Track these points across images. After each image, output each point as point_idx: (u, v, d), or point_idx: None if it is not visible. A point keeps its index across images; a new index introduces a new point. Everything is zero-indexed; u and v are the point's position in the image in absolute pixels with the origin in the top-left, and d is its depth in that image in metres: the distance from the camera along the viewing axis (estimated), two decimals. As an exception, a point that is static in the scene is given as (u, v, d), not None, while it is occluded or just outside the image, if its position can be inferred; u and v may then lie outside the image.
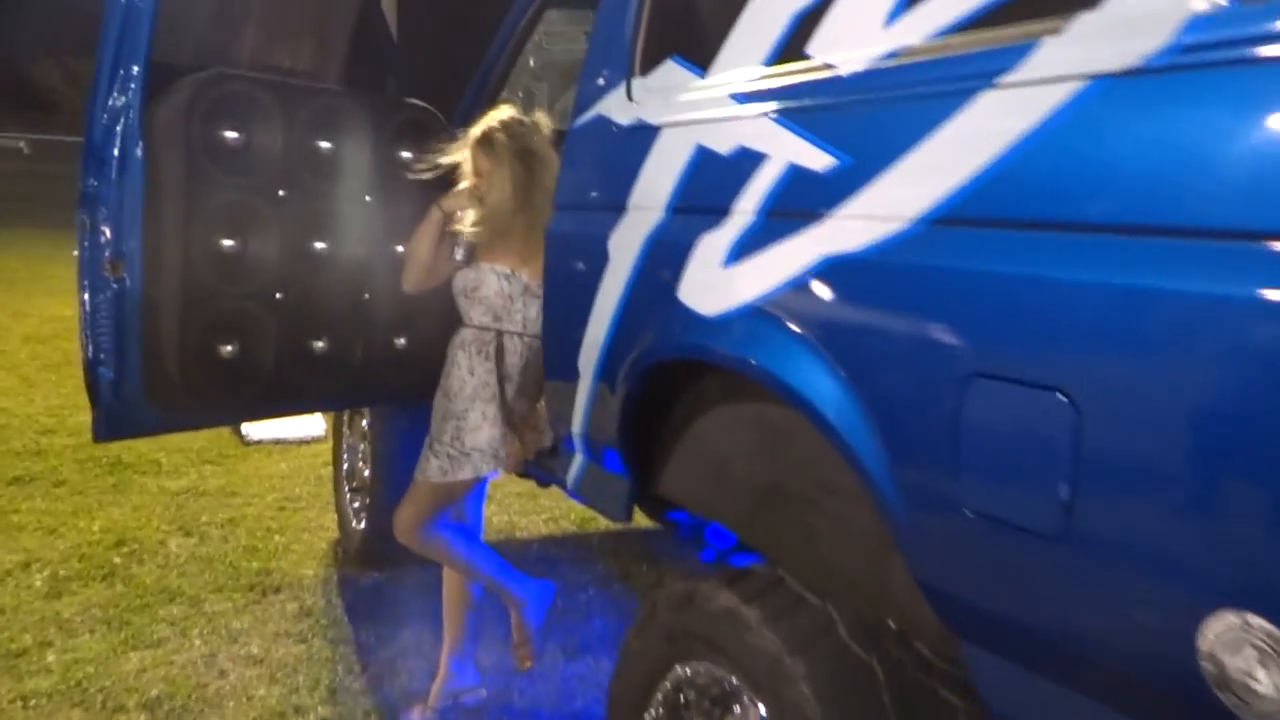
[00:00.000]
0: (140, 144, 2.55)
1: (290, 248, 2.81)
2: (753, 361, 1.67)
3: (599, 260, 2.19)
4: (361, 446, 4.14)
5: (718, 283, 1.79)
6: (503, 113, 2.78)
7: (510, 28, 3.18)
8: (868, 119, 1.53)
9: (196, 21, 2.81)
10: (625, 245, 2.10)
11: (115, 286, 2.60)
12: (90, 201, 2.63)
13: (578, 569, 4.07)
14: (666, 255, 1.96)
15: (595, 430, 2.29)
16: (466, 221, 2.76)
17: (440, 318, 3.10)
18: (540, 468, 2.81)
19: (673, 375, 2.04)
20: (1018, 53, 1.27)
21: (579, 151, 2.42)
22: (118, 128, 2.56)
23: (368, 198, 2.96)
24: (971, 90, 1.34)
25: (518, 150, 2.71)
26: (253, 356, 2.79)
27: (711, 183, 1.86)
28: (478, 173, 2.77)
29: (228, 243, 2.71)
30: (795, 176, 1.64)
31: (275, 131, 2.73)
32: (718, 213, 1.81)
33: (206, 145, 2.61)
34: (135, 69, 2.55)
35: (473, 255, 2.83)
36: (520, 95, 3.36)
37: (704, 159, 1.89)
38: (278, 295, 2.81)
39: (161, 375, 2.66)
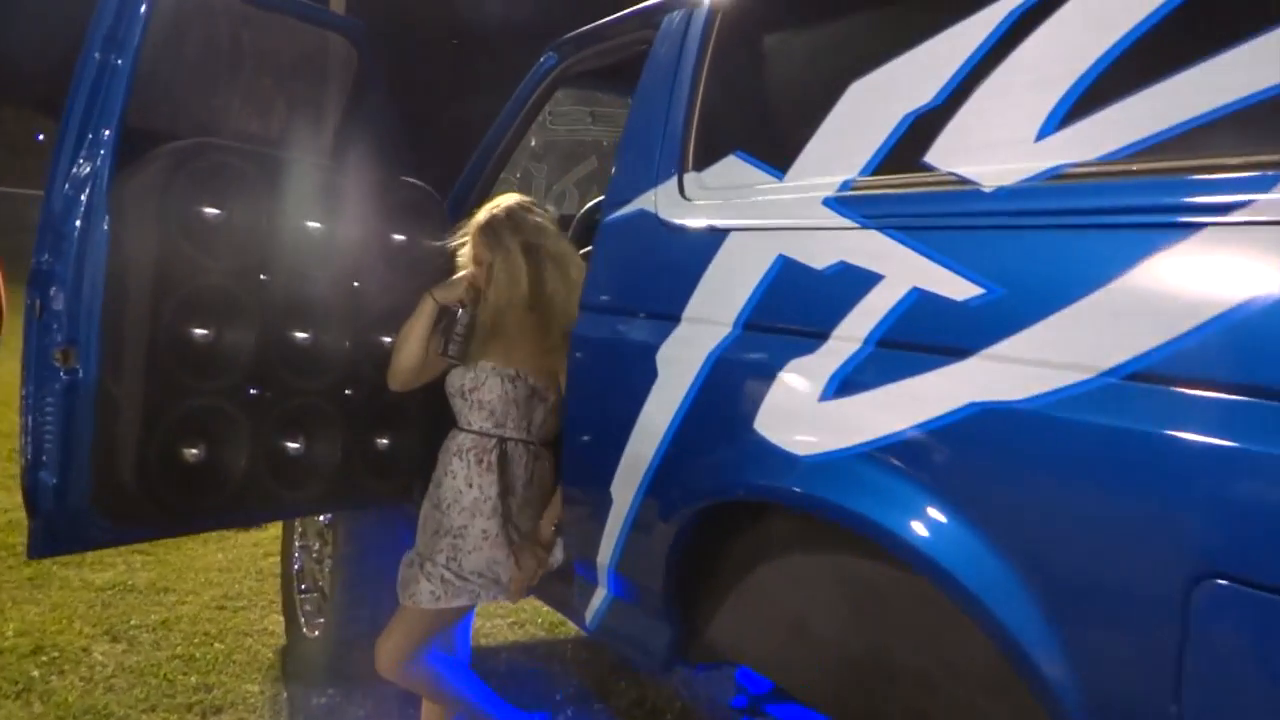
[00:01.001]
0: (106, 218, 2.23)
1: (270, 338, 2.49)
2: (864, 514, 1.42)
3: (644, 374, 1.92)
4: (317, 545, 3.76)
5: (814, 418, 1.54)
6: (510, 199, 2.53)
7: (517, 105, 2.93)
8: (1033, 246, 1.31)
9: (175, 84, 2.50)
10: (681, 361, 1.84)
11: (65, 378, 2.25)
12: (43, 280, 2.29)
13: (551, 684, 3.73)
14: (738, 378, 1.71)
15: (630, 565, 2.00)
16: (462, 315, 2.48)
17: (428, 416, 2.80)
18: (548, 596, 2.51)
19: (737, 513, 1.77)
20: (1266, 183, 1.06)
21: (614, 249, 2.17)
22: (81, 197, 2.24)
23: (355, 284, 2.66)
24: (1181, 225, 1.13)
25: (525, 243, 2.45)
26: (221, 460, 2.45)
27: (802, 300, 1.63)
28: (478, 262, 2.50)
29: (201, 332, 2.38)
30: (924, 304, 1.40)
31: (260, 209, 2.43)
32: (812, 336, 1.57)
33: (183, 222, 2.30)
34: (106, 133, 2.24)
35: (468, 352, 2.54)
36: (518, 176, 3.12)
37: (791, 272, 1.66)
38: (252, 391, 2.48)
39: (114, 482, 2.30)
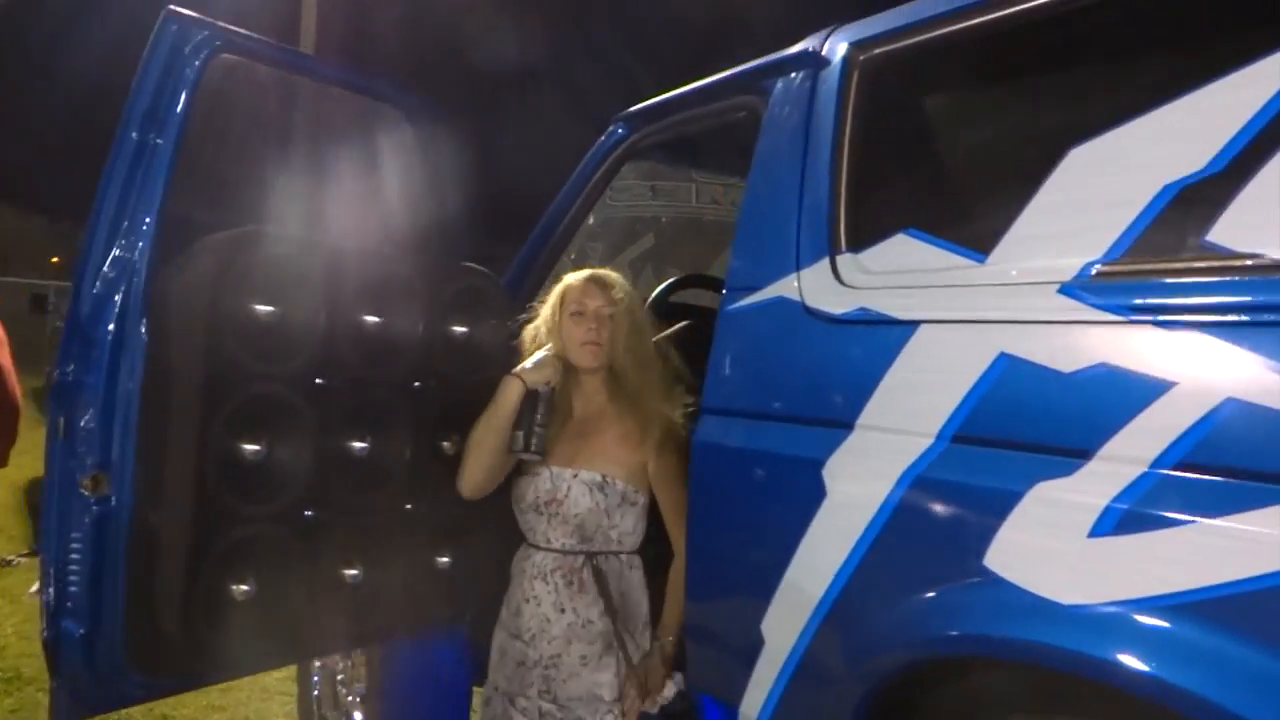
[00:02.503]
0: (144, 320, 1.90)
1: (326, 451, 2.15)
2: (1177, 684, 1.11)
3: (805, 491, 1.62)
4: (341, 663, 3.36)
5: (1082, 558, 1.23)
6: (604, 273, 2.25)
7: (581, 181, 2.65)
8: None
9: (219, 165, 2.18)
10: (861, 478, 1.53)
11: (96, 509, 1.89)
12: (68, 394, 1.94)
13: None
14: (952, 503, 1.40)
15: (793, 717, 1.67)
16: (545, 399, 2.16)
17: (493, 529, 2.46)
18: None
19: (941, 667, 1.46)
20: None
21: (744, 342, 1.87)
22: (116, 297, 1.90)
23: (417, 384, 2.34)
24: None
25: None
26: (277, 596, 2.09)
27: (1044, 410, 1.33)
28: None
29: (252, 448, 2.03)
30: (1247, 418, 1.11)
31: (318, 305, 2.11)
32: (1066, 454, 1.27)
33: (234, 323, 1.97)
34: (146, 222, 1.91)
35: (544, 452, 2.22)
36: (572, 257, 2.83)
37: (1021, 374, 1.36)
38: (308, 514, 2.13)
39: (153, 629, 1.94)
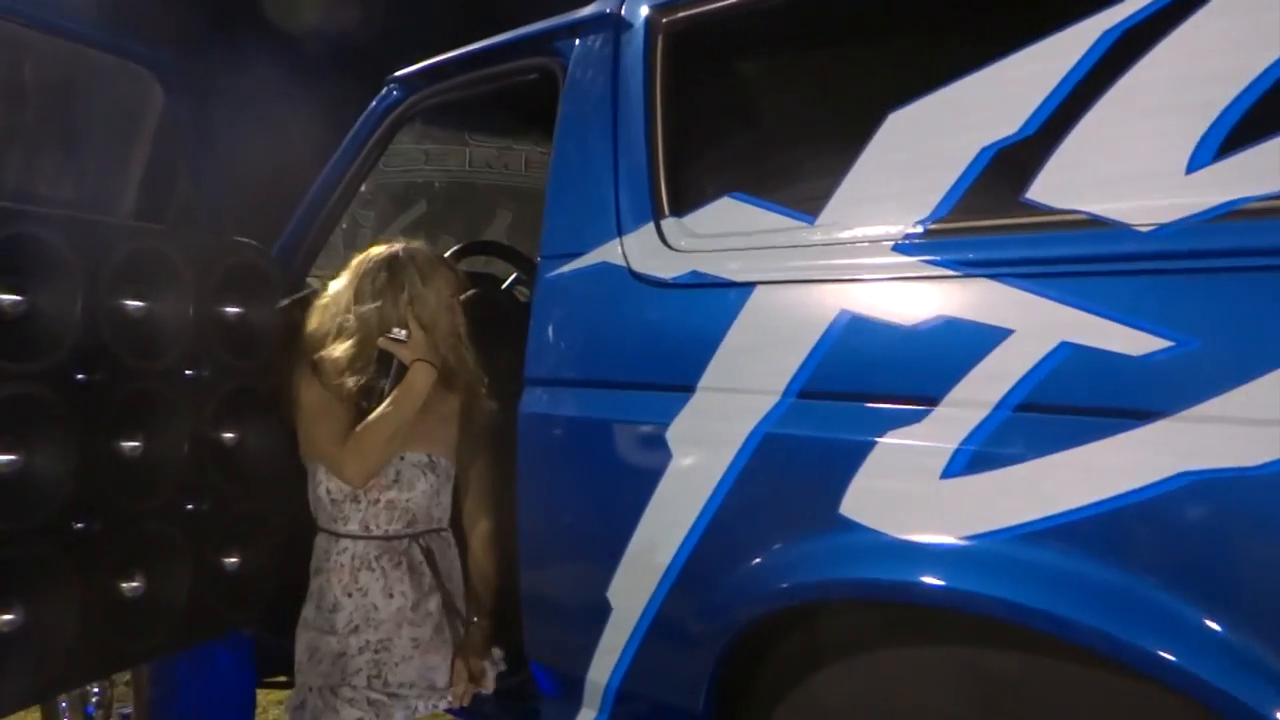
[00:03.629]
0: None
1: (94, 453, 1.89)
2: (1041, 607, 1.21)
3: (648, 456, 1.61)
4: (97, 688, 3.02)
5: (937, 497, 1.31)
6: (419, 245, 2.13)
7: (354, 146, 2.47)
8: (1234, 290, 1.15)
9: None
10: (709, 439, 1.55)
11: None
12: None
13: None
14: (804, 456, 1.44)
15: (649, 683, 1.67)
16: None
17: (279, 522, 2.28)
18: (502, 707, 2.10)
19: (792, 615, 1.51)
20: None
21: (567, 310, 1.82)
22: None
23: (189, 372, 2.10)
24: None
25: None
26: (43, 623, 1.82)
27: (889, 362, 1.39)
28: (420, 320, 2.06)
29: (6, 458, 1.76)
30: (1087, 361, 1.21)
31: (72, 290, 1.84)
32: (912, 402, 1.34)
33: (-25, 314, 1.68)
34: None
35: None
36: (344, 226, 2.65)
37: (863, 329, 1.42)
38: (76, 525, 1.87)
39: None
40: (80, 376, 1.85)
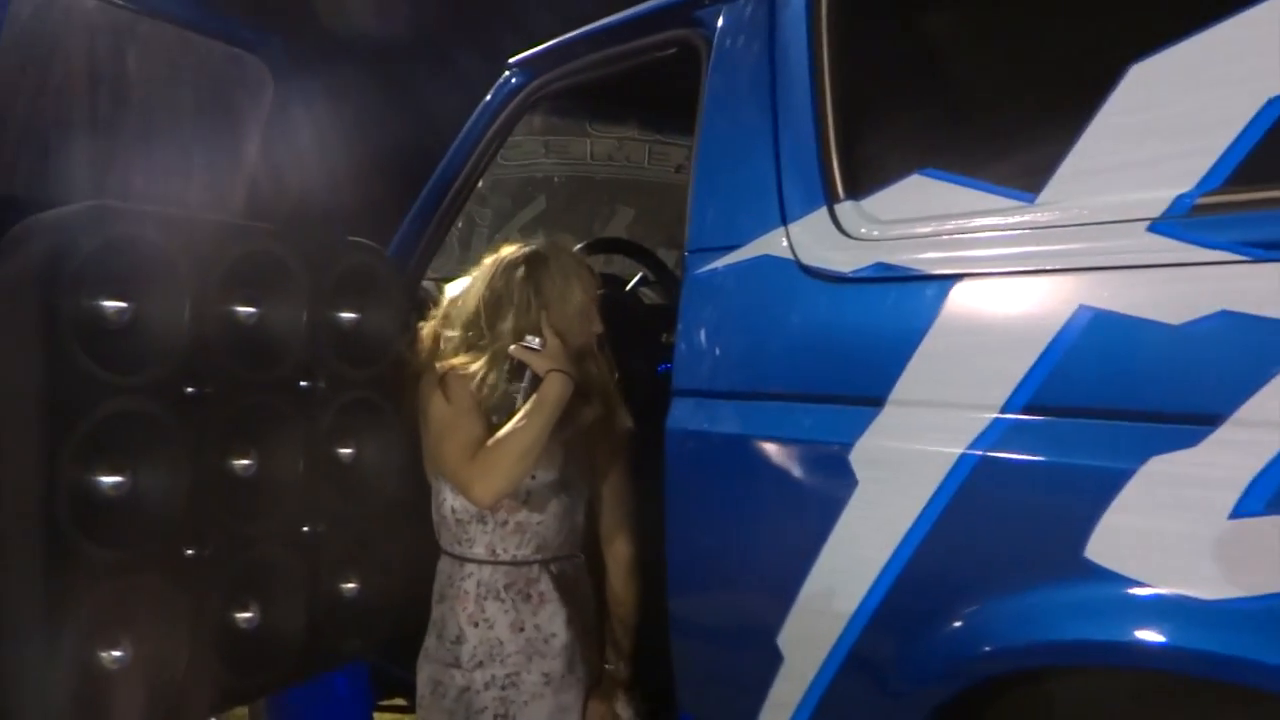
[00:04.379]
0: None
1: (205, 473, 1.74)
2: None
3: (828, 480, 1.36)
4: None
5: (1223, 542, 1.02)
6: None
7: (473, 136, 2.28)
8: None
9: (36, 126, 1.70)
10: (906, 462, 1.29)
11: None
12: None
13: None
14: (1038, 485, 1.17)
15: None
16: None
17: (401, 545, 2.10)
18: None
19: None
20: None
21: (724, 311, 1.59)
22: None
23: (304, 384, 1.93)
24: None
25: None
26: (154, 660, 1.67)
27: (1148, 370, 1.11)
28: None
29: (113, 480, 1.61)
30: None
31: (180, 296, 1.68)
32: (1182, 421, 1.06)
33: (78, 324, 1.53)
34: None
35: None
36: (458, 225, 2.47)
37: (1112, 329, 1.13)
38: (189, 552, 1.72)
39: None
40: (190, 390, 1.69)
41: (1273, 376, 1.01)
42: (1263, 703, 1.01)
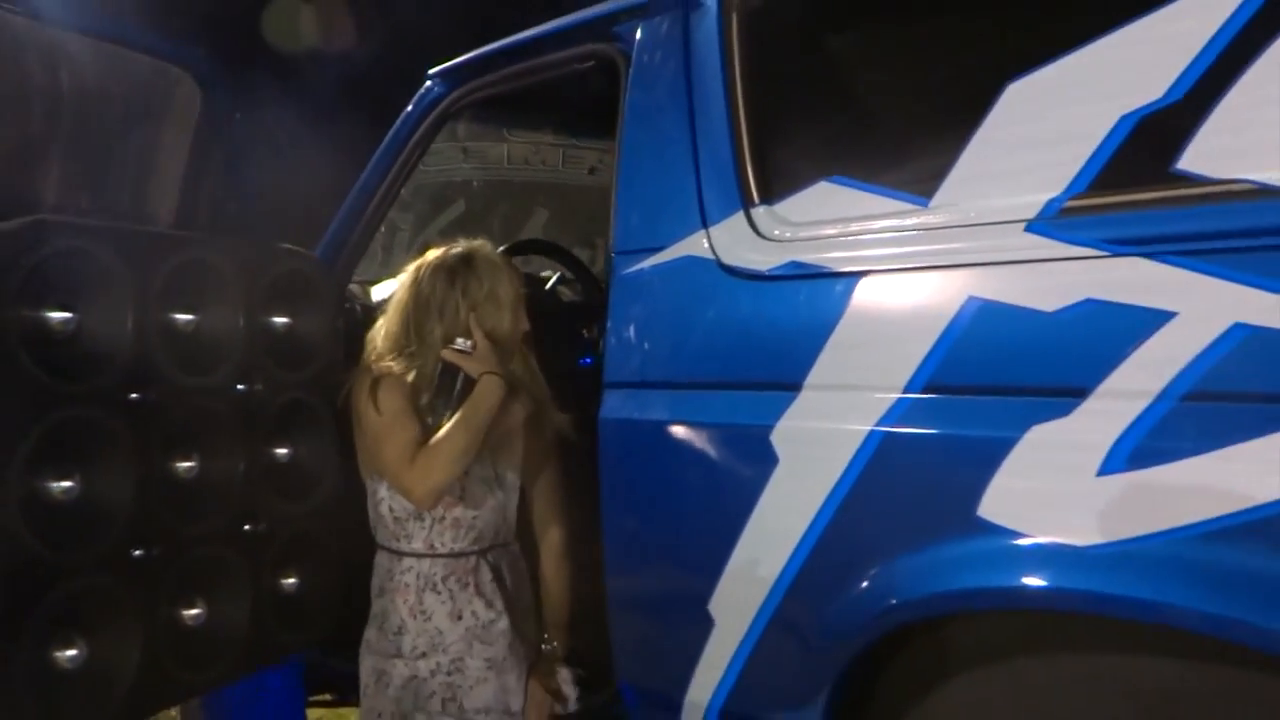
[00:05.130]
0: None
1: (150, 477, 1.78)
2: (1228, 614, 1.09)
3: (751, 460, 1.50)
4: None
5: (1094, 496, 1.19)
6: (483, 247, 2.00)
7: (395, 145, 2.35)
8: None
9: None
10: (821, 440, 1.43)
11: None
12: None
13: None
14: (933, 456, 1.33)
15: (752, 702, 1.56)
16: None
17: (335, 540, 2.17)
18: None
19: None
20: None
21: (651, 308, 1.70)
22: None
23: (241, 387, 1.98)
24: None
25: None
26: (107, 658, 1.71)
27: (1026, 352, 1.27)
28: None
29: (63, 485, 1.64)
30: (1267, 344, 1.09)
31: (123, 305, 1.72)
32: (1057, 394, 1.23)
33: (25, 335, 1.57)
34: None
35: None
36: (381, 230, 2.53)
37: (997, 317, 1.30)
38: (135, 553, 1.76)
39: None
40: (134, 396, 1.73)
41: (1130, 354, 1.17)
42: (1132, 634, 1.18)
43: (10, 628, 1.53)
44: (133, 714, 1.77)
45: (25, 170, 1.72)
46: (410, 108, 2.34)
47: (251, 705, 2.65)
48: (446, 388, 1.87)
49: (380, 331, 1.96)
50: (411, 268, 1.97)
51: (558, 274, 2.87)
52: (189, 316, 1.87)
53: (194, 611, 1.89)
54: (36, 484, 1.60)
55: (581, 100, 2.33)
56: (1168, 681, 1.20)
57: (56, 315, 1.62)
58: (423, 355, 1.89)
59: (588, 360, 2.54)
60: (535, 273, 2.95)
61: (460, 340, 1.88)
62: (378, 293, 2.53)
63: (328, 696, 2.93)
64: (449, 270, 1.91)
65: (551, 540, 2.05)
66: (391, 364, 1.89)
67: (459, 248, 1.95)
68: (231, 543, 1.95)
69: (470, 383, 1.85)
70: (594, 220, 3.96)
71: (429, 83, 2.33)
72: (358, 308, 2.45)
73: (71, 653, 1.64)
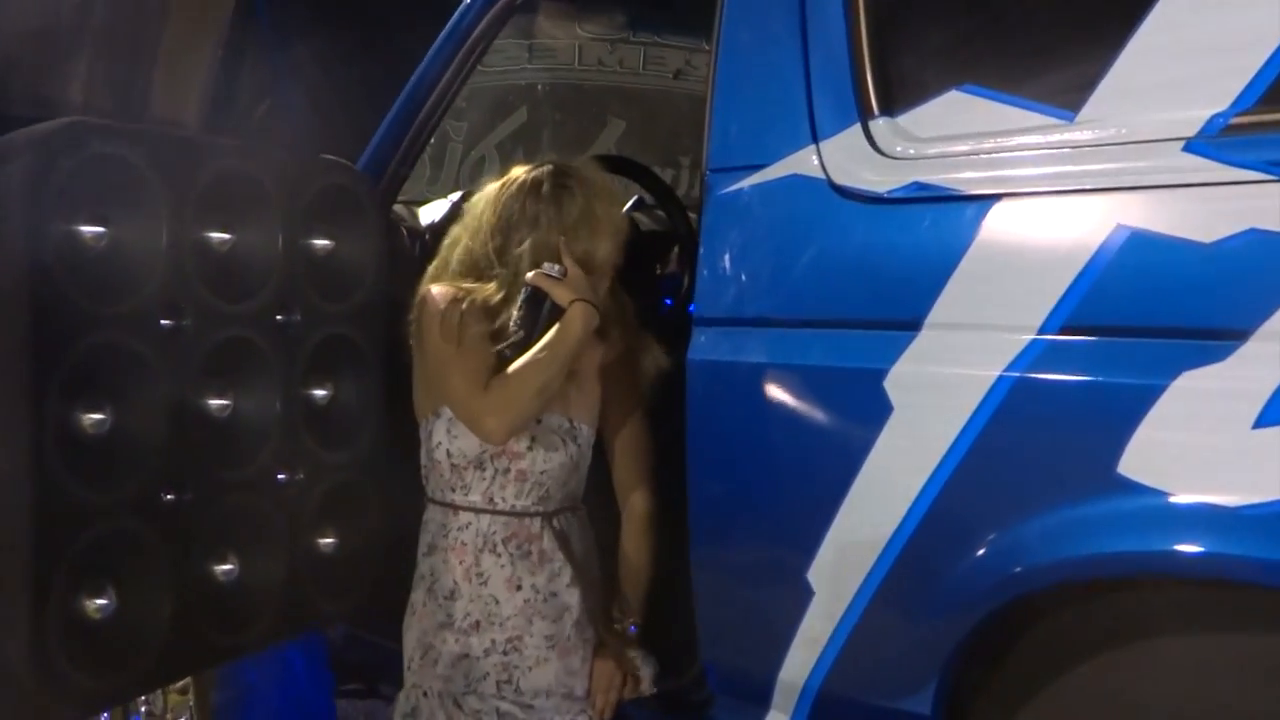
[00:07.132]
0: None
1: (181, 413, 1.99)
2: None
3: (861, 408, 1.65)
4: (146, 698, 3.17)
5: (1248, 453, 1.33)
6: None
7: (452, 42, 2.52)
8: None
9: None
10: (943, 386, 1.59)
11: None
12: None
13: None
14: (1073, 405, 1.47)
15: (855, 681, 1.73)
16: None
17: (380, 495, 2.37)
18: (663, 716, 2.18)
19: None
20: None
21: (750, 234, 1.86)
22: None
23: (280, 317, 2.18)
24: None
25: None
26: (138, 609, 1.94)
27: (1185, 289, 1.41)
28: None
29: (94, 418, 1.86)
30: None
31: (156, 219, 1.93)
32: (1216, 336, 1.36)
33: (60, 249, 1.78)
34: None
35: None
36: (431, 141, 2.70)
37: (1152, 249, 1.43)
38: (167, 497, 1.98)
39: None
40: (166, 322, 1.94)
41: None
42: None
43: (43, 572, 1.75)
44: (166, 675, 2.00)
45: (54, 66, 1.92)
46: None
47: (273, 690, 2.88)
48: (530, 316, 2.02)
49: (457, 249, 2.14)
50: (497, 184, 2.14)
51: (634, 197, 3.01)
52: (225, 235, 2.07)
53: (226, 567, 2.10)
54: (70, 415, 1.81)
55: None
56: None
57: (89, 230, 1.82)
58: (505, 278, 2.06)
59: (669, 301, 2.70)
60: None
61: (549, 265, 2.04)
62: (426, 214, 2.71)
63: (354, 686, 3.16)
64: (541, 186, 2.07)
65: (636, 509, 2.20)
66: (466, 287, 2.07)
67: (557, 162, 2.11)
68: (266, 493, 2.16)
69: (557, 312, 2.00)
70: (678, 135, 4.09)
71: (491, -32, 2.49)
72: (404, 231, 2.64)
73: (101, 601, 1.87)
